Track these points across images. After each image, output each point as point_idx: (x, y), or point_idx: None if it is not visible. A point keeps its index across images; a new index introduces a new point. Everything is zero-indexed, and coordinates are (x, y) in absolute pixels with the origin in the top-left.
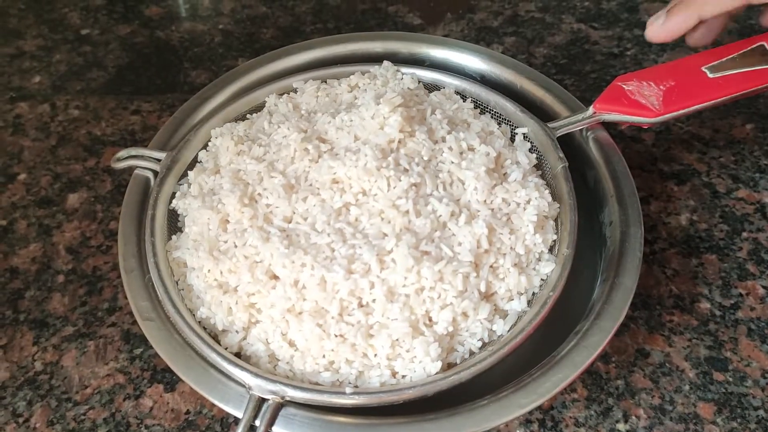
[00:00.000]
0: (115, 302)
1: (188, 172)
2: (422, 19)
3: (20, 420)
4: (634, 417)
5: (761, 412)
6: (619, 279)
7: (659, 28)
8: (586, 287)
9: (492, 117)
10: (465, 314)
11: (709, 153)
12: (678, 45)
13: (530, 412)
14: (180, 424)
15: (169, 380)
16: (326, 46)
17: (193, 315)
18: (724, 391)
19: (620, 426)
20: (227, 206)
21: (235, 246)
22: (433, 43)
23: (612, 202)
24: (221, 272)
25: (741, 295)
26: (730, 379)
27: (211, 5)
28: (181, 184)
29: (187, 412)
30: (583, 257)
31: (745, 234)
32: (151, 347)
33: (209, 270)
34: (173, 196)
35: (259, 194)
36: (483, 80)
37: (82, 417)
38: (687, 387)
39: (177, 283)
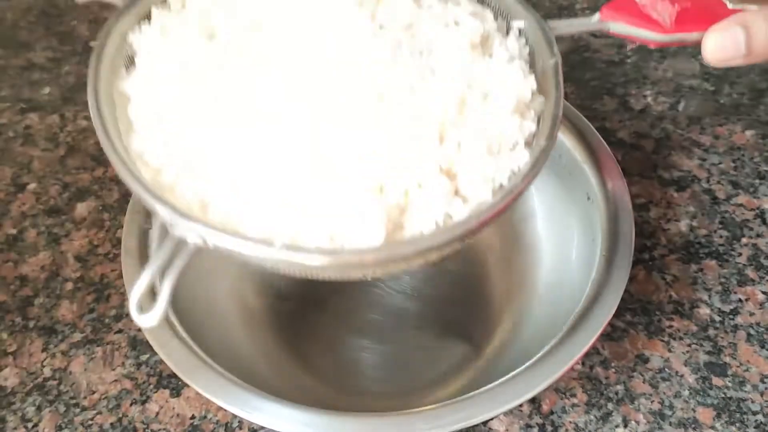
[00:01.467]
0: (122, 309)
1: (153, 10)
2: None
3: (29, 425)
4: (633, 422)
5: (760, 417)
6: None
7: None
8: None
9: (491, 11)
10: (420, 185)
11: (709, 159)
12: (679, 51)
13: (530, 416)
14: (185, 428)
15: (175, 385)
16: None
17: (127, 149)
18: (723, 396)
19: (620, 431)
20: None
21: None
22: None
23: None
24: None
25: (740, 300)
26: (729, 384)
27: None
28: (143, 24)
29: (192, 417)
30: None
31: (744, 240)
32: (157, 353)
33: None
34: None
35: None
36: None
37: (90, 422)
38: (686, 392)
39: (117, 118)
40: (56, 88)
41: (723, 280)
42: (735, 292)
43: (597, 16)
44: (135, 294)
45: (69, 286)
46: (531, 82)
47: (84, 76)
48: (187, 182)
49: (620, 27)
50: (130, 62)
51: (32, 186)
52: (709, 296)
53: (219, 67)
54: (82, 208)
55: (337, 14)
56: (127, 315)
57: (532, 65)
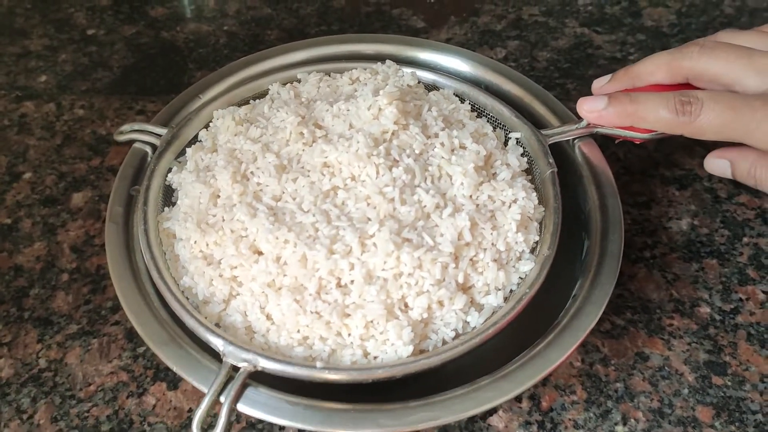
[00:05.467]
0: (118, 300)
1: (186, 149)
2: (426, 22)
3: (24, 417)
4: (632, 420)
5: (759, 416)
6: (573, 321)
7: (595, 114)
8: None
9: (488, 121)
10: (441, 303)
11: None
12: None
13: (529, 413)
14: (183, 421)
15: (172, 378)
16: (311, 48)
17: (177, 284)
18: (722, 395)
19: (619, 428)
20: (219, 181)
21: (223, 220)
22: (419, 46)
23: (596, 233)
24: (207, 244)
25: (741, 299)
26: (729, 383)
27: (216, 6)
28: (179, 161)
29: (190, 410)
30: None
31: (745, 239)
32: None
33: (195, 241)
34: (170, 171)
35: (252, 173)
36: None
37: (86, 414)
38: (686, 390)
39: (165, 253)
40: (53, 76)
41: (724, 279)
42: (736, 291)
43: (585, 121)
44: (198, 419)
45: (64, 276)
46: (533, 198)
47: (81, 65)
48: (232, 313)
49: (607, 129)
50: (170, 201)
51: (28, 175)
52: (710, 295)
53: (250, 204)
54: (78, 198)
55: (357, 152)
56: None
57: (531, 172)
